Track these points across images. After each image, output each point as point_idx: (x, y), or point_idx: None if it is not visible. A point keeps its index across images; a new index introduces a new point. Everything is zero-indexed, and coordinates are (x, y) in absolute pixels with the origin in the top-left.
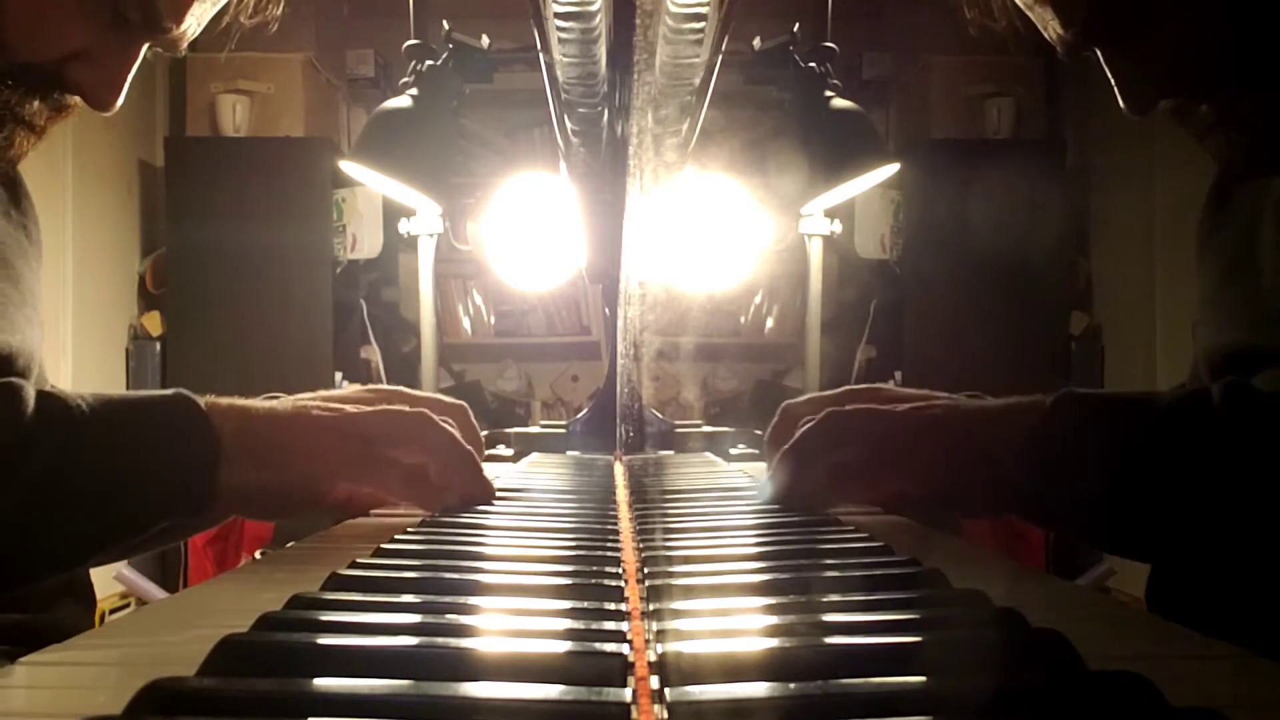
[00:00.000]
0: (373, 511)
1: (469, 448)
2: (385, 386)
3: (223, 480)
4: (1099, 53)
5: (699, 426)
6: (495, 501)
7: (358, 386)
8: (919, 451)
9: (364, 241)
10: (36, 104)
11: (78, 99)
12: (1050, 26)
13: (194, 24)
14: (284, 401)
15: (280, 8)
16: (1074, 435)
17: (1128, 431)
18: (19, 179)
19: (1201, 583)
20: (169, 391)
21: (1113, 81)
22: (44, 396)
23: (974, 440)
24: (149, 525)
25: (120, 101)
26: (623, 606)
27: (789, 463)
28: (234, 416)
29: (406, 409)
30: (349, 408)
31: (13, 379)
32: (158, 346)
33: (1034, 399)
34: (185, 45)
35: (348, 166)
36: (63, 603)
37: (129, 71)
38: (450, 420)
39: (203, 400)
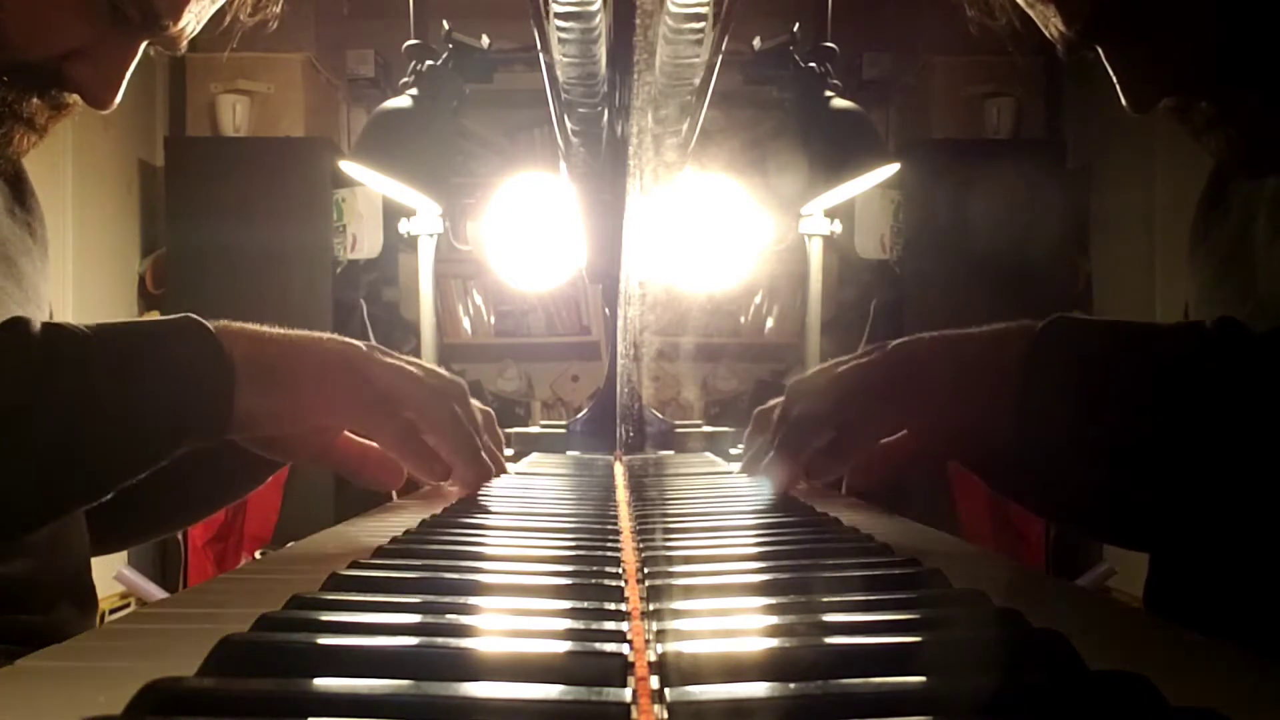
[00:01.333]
0: (373, 510)
1: (469, 429)
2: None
3: (236, 402)
4: (1101, 50)
5: (699, 426)
6: (495, 501)
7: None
8: (910, 385)
9: (364, 241)
10: (35, 101)
11: (77, 97)
12: (1052, 24)
13: (192, 21)
14: (297, 332)
15: (280, 5)
16: (1068, 361)
17: (1123, 358)
18: (24, 177)
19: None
20: (177, 316)
21: (1114, 79)
22: (50, 327)
23: (966, 367)
24: (170, 449)
25: (119, 99)
26: (623, 606)
27: (780, 451)
28: (245, 339)
29: (421, 373)
30: (361, 345)
31: (18, 315)
32: None
33: (1021, 324)
34: (184, 43)
35: (348, 166)
36: (64, 605)
37: (127, 69)
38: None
39: (213, 324)
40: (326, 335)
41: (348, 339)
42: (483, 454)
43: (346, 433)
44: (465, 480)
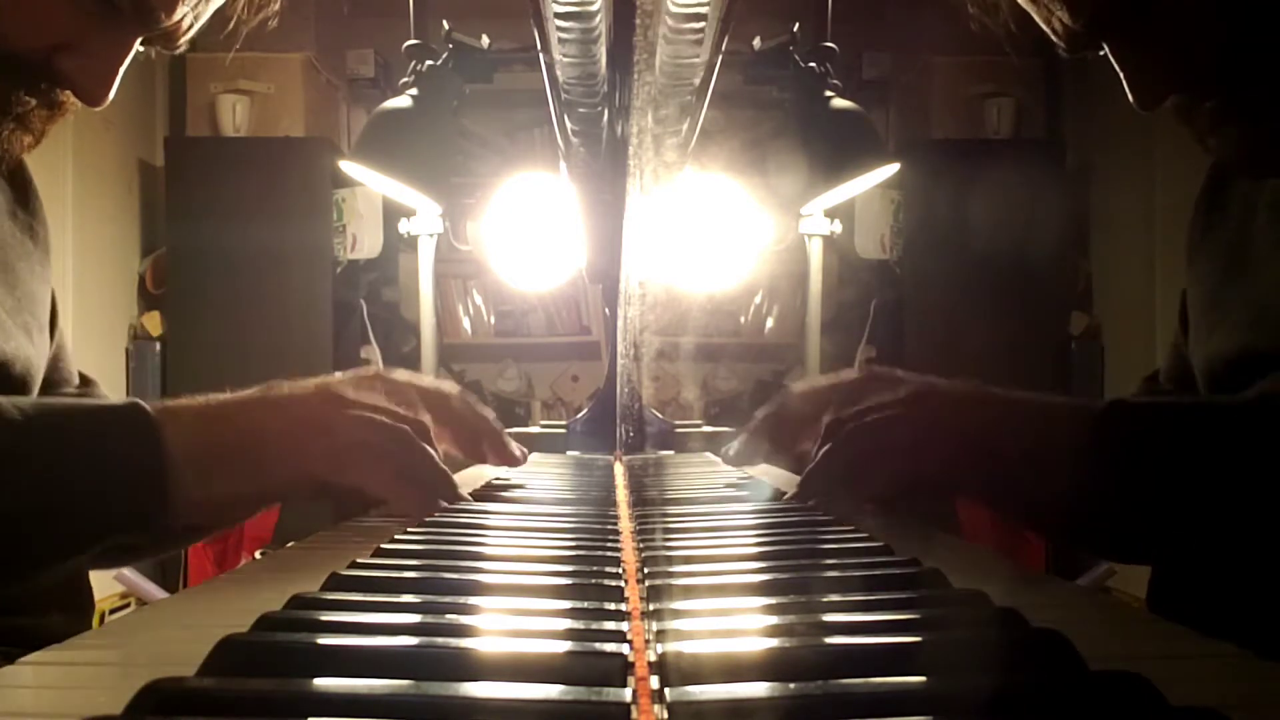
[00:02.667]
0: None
1: (436, 474)
2: (377, 372)
3: (176, 494)
4: (1107, 46)
5: (699, 426)
6: (495, 501)
7: (351, 372)
8: (971, 452)
9: (364, 241)
10: (28, 99)
11: (71, 97)
12: (1056, 19)
13: (189, 18)
14: (249, 394)
15: (278, 3)
16: (1135, 447)
17: (1192, 442)
18: (28, 178)
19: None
20: (123, 402)
21: (1121, 75)
22: None
23: (1017, 439)
24: (93, 541)
25: (111, 96)
26: (623, 606)
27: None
28: (191, 425)
29: (385, 420)
30: (348, 392)
31: None
32: (158, 346)
33: (1076, 402)
34: (183, 42)
35: (348, 166)
36: (59, 609)
37: (120, 65)
38: (446, 410)
39: (158, 408)
40: (293, 395)
41: (319, 390)
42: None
43: None
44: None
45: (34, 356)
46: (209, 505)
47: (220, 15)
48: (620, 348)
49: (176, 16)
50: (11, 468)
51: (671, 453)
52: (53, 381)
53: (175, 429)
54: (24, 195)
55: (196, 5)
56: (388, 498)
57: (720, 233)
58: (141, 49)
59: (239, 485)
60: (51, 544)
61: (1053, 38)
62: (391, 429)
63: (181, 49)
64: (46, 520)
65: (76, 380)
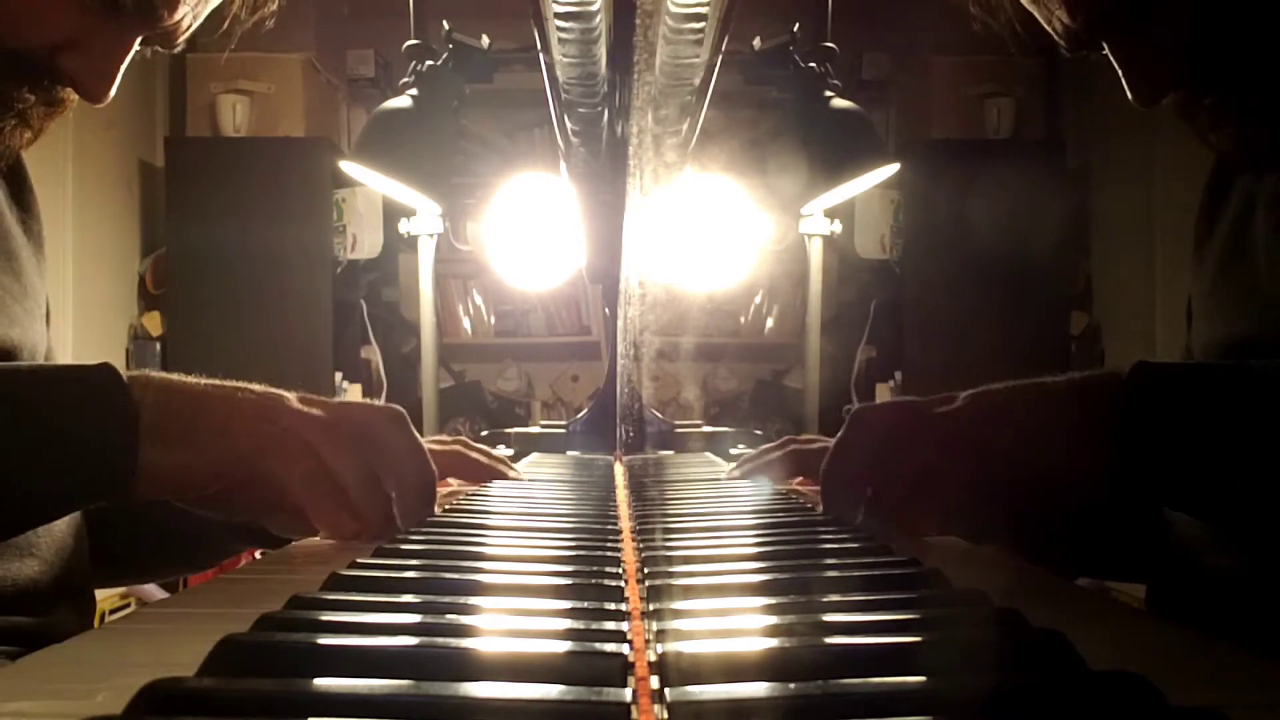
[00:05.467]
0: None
1: (368, 482)
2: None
3: (140, 459)
4: (1106, 43)
5: (699, 426)
6: (495, 501)
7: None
8: (1002, 436)
9: (364, 241)
10: (28, 95)
11: (71, 94)
12: (1056, 18)
13: (189, 17)
14: (214, 382)
15: (277, 3)
16: (1166, 409)
17: (1224, 405)
18: (24, 175)
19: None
20: (93, 363)
21: (1120, 72)
22: None
23: (1053, 420)
24: (62, 506)
25: (113, 93)
26: (623, 606)
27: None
28: (154, 391)
29: (327, 415)
30: (283, 393)
31: None
32: (158, 346)
33: (1103, 373)
34: (181, 41)
35: (348, 166)
36: (63, 609)
37: (121, 62)
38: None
39: (128, 374)
40: (249, 386)
41: (271, 389)
42: (384, 517)
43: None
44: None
45: (40, 345)
46: (160, 473)
47: (217, 15)
48: (620, 348)
49: (178, 15)
50: None
51: (671, 453)
52: None
53: (140, 391)
54: (20, 192)
55: (196, 4)
56: (299, 500)
57: (720, 233)
58: (140, 49)
59: (184, 456)
60: (20, 505)
61: (1055, 37)
62: (348, 430)
63: (179, 48)
64: (13, 479)
65: None
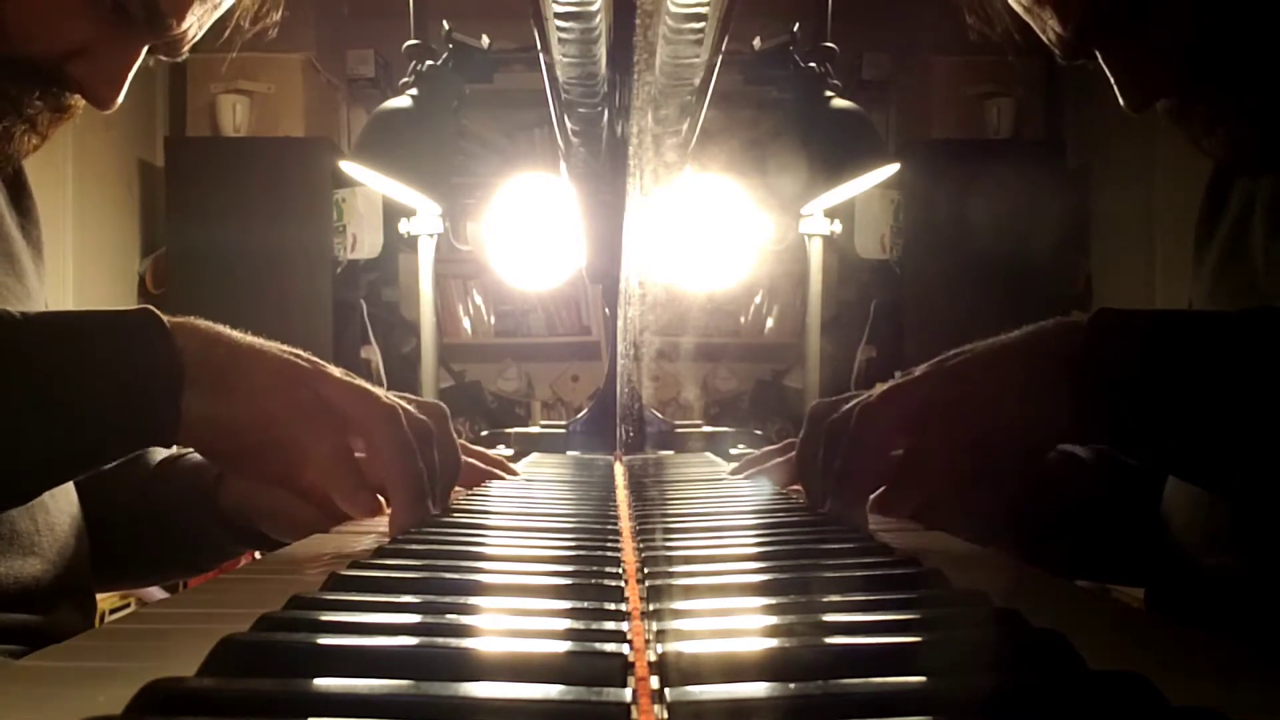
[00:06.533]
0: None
1: (418, 463)
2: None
3: (187, 405)
4: (1098, 51)
5: (699, 426)
6: (495, 501)
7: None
8: (974, 392)
9: (364, 241)
10: (38, 100)
11: (78, 100)
12: (1049, 27)
13: (194, 25)
14: (250, 338)
15: (279, 13)
16: (1125, 350)
17: (1194, 343)
18: (24, 181)
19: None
20: (135, 309)
21: (1111, 79)
22: None
23: (1023, 374)
24: (111, 452)
25: (120, 99)
26: (623, 606)
27: (845, 482)
28: (198, 339)
29: (382, 394)
30: (335, 371)
31: None
32: None
33: (1057, 323)
34: (185, 48)
35: (348, 166)
36: (65, 607)
37: (130, 69)
38: (426, 425)
39: (170, 320)
40: (295, 351)
41: (302, 353)
42: (426, 499)
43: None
44: (397, 521)
45: None
46: (191, 422)
47: (219, 23)
48: (620, 348)
49: (185, 24)
50: (16, 368)
51: (671, 453)
52: None
53: (185, 337)
54: (20, 198)
55: (202, 14)
56: (318, 474)
57: (720, 233)
58: (145, 57)
59: (215, 408)
60: (58, 452)
61: (1050, 47)
62: (396, 411)
63: (183, 57)
64: (53, 426)
65: None
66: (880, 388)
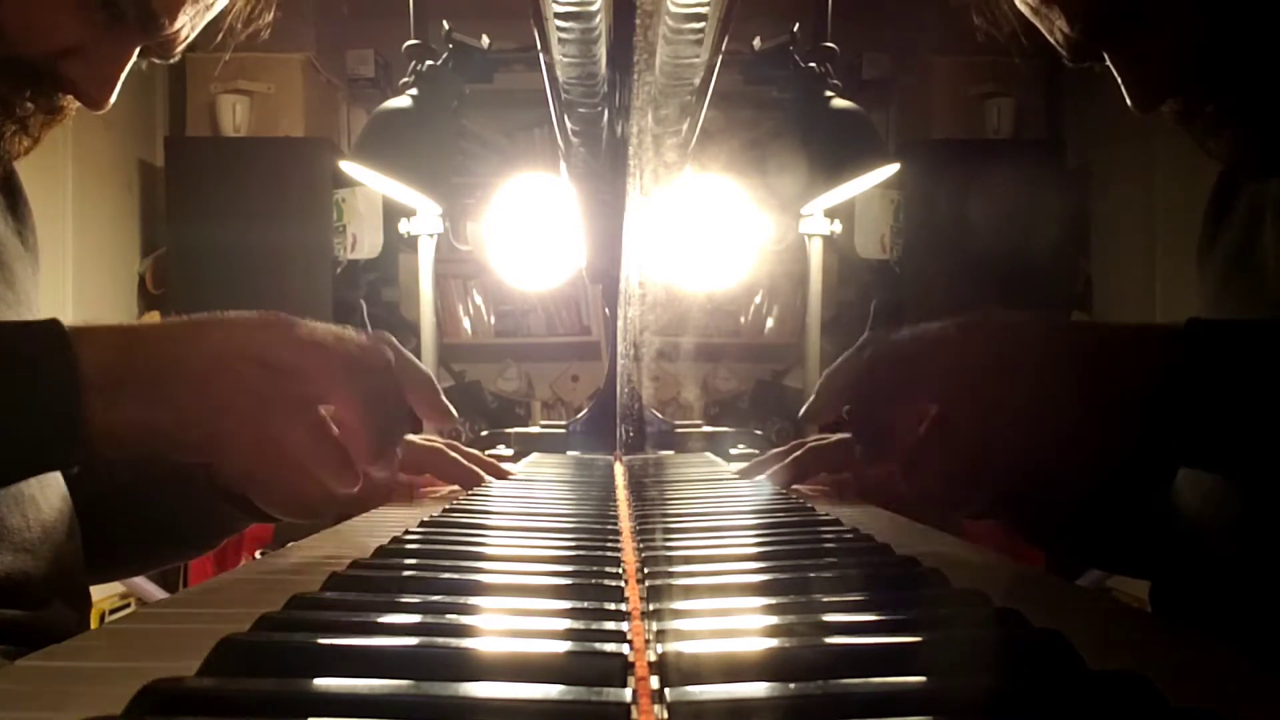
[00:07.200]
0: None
1: (384, 414)
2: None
3: (93, 418)
4: (1105, 52)
5: (699, 426)
6: (495, 501)
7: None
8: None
9: (364, 241)
10: (29, 102)
11: (71, 101)
12: (1057, 27)
13: (186, 26)
14: (193, 319)
15: (273, 13)
16: (1225, 367)
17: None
18: (18, 186)
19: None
20: (40, 320)
21: (1118, 78)
22: None
23: (1097, 370)
24: (10, 470)
25: (113, 100)
26: (623, 606)
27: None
28: (111, 344)
29: (334, 342)
30: (270, 319)
31: None
32: None
33: (1139, 325)
34: (178, 51)
35: (348, 166)
36: (56, 603)
37: (122, 69)
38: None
39: (75, 328)
40: (232, 317)
41: (257, 314)
42: (393, 449)
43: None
44: (366, 485)
45: None
46: (122, 431)
47: (213, 24)
48: (620, 348)
49: (178, 24)
50: None
51: (671, 453)
52: None
53: (91, 346)
54: (15, 204)
55: (195, 14)
56: (307, 463)
57: (720, 233)
58: (137, 59)
59: (150, 411)
60: None
61: (1057, 49)
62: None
63: (175, 58)
64: None
65: None
66: (936, 327)
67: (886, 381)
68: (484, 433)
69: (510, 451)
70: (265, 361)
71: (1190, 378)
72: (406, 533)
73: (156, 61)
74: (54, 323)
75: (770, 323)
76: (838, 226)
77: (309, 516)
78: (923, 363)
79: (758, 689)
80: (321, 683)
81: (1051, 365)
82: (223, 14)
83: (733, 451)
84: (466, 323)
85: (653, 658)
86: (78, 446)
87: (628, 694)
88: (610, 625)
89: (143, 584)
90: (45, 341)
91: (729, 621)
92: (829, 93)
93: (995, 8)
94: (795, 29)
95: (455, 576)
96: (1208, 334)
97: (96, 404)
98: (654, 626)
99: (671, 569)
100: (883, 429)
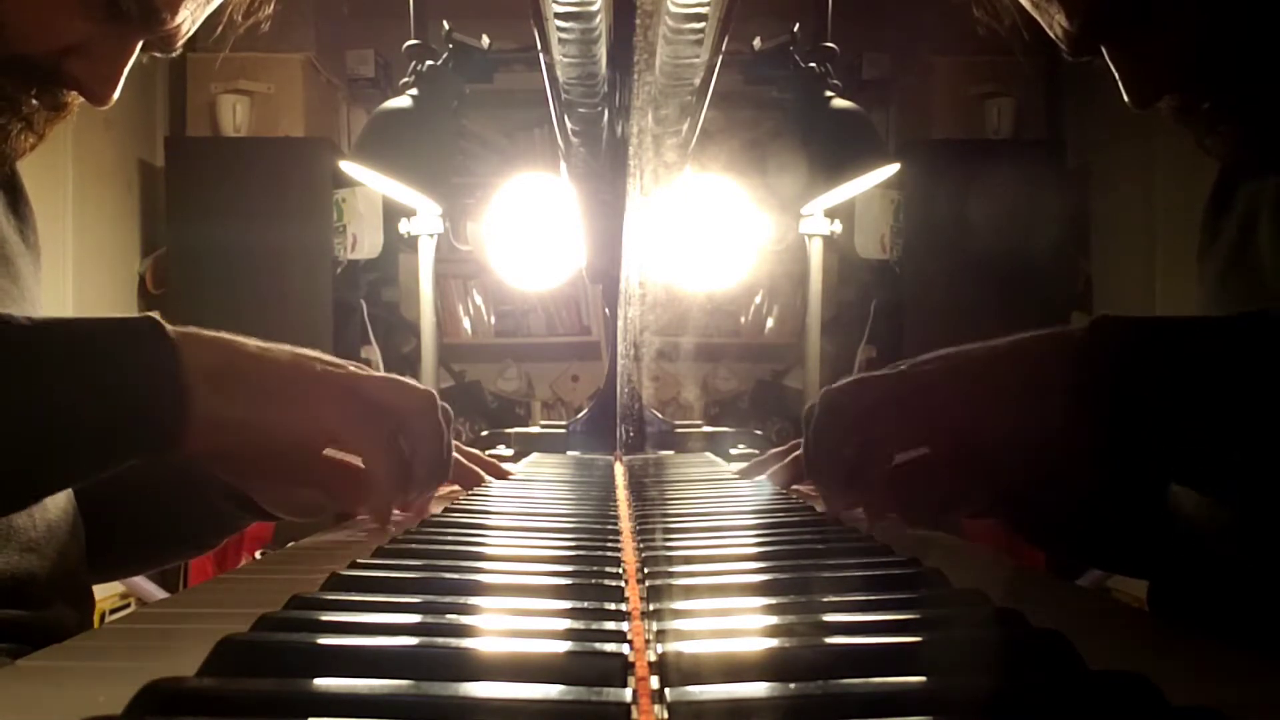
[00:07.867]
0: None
1: (448, 447)
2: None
3: (194, 411)
4: (1104, 48)
5: (699, 426)
6: (495, 501)
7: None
8: (965, 403)
9: (364, 241)
10: (34, 99)
11: (75, 98)
12: (1056, 22)
13: (188, 19)
14: (285, 349)
15: (273, 6)
16: (1137, 359)
17: (1192, 351)
18: (19, 185)
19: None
20: (138, 316)
21: (1116, 75)
22: None
23: (1017, 379)
24: (110, 459)
25: (116, 95)
26: (623, 606)
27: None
28: (213, 347)
29: (413, 382)
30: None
31: None
32: None
33: (1053, 331)
34: (179, 44)
35: (348, 166)
36: (59, 603)
37: (125, 65)
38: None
39: (177, 330)
40: (297, 349)
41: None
42: (426, 498)
43: (325, 451)
44: (417, 506)
45: None
46: (223, 429)
47: (213, 19)
48: (620, 348)
49: (179, 19)
50: (19, 376)
51: (671, 453)
52: None
53: (192, 345)
54: (16, 202)
55: (195, 9)
56: (377, 483)
57: (720, 233)
58: (139, 53)
59: (250, 411)
60: (61, 461)
61: (1057, 43)
62: (422, 400)
63: (177, 52)
64: (56, 433)
65: None
66: (876, 375)
67: (826, 428)
68: (484, 433)
69: (510, 451)
70: (352, 386)
71: (1095, 366)
72: (407, 533)
73: (158, 55)
74: (151, 320)
75: (770, 323)
76: (838, 226)
77: (310, 516)
78: (859, 407)
79: (758, 689)
80: (321, 683)
81: (976, 376)
82: (223, 7)
83: (733, 451)
84: (466, 323)
85: (653, 658)
86: (186, 437)
87: (628, 694)
88: (610, 625)
89: (143, 584)
90: (150, 331)
91: (729, 621)
92: (829, 93)
93: (996, 1)
94: (795, 29)
95: (455, 576)
96: (1113, 325)
97: (202, 395)
98: (654, 626)
99: (671, 569)
100: (837, 477)
